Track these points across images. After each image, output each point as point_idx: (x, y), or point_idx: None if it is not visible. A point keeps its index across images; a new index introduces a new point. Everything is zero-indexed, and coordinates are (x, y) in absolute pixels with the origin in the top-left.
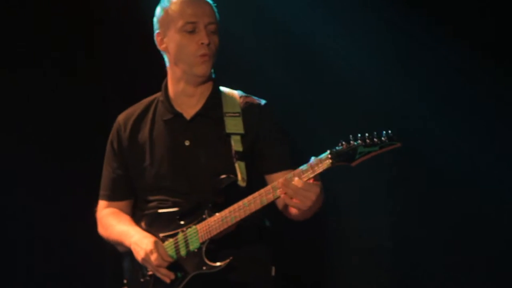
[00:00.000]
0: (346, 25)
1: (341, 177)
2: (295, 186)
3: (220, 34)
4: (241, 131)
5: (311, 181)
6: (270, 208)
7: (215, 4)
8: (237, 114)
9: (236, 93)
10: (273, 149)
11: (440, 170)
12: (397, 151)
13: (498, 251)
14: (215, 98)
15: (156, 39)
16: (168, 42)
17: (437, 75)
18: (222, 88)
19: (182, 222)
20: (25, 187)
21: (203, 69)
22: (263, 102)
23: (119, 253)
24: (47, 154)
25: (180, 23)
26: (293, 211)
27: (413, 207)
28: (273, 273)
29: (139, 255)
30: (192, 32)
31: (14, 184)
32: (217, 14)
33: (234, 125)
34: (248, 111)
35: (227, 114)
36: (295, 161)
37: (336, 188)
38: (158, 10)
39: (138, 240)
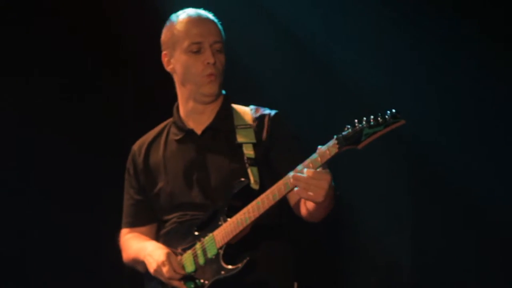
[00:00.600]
0: (353, 26)
1: (356, 183)
2: (306, 177)
3: (226, 52)
4: (253, 140)
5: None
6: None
7: (220, 22)
8: (248, 126)
9: (247, 108)
10: (285, 153)
11: (458, 178)
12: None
13: None
14: (226, 113)
15: (163, 60)
16: (175, 63)
17: (445, 75)
18: (234, 105)
19: (199, 233)
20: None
21: (210, 88)
22: (273, 112)
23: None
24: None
25: (185, 43)
26: (304, 211)
27: (428, 214)
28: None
29: (152, 266)
30: (197, 52)
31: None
32: (222, 32)
33: (245, 135)
34: (259, 122)
35: (238, 127)
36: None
37: (349, 193)
38: (164, 31)
39: (151, 252)
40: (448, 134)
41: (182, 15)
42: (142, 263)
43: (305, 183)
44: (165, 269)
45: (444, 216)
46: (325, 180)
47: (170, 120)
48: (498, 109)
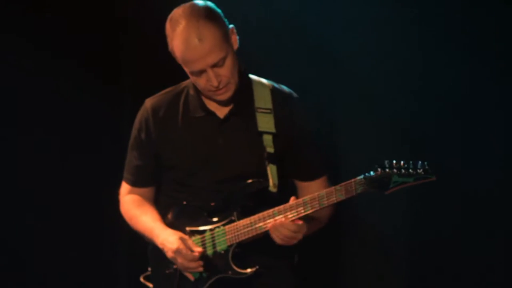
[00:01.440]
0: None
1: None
2: (283, 229)
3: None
4: (273, 130)
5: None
6: None
7: (218, 16)
8: (269, 111)
9: (266, 83)
10: (306, 155)
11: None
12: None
13: None
14: (246, 92)
15: (172, 53)
16: (183, 67)
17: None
18: (252, 77)
19: (210, 219)
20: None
21: (220, 98)
22: (294, 96)
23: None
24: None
25: (186, 69)
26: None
27: (430, 207)
28: (296, 259)
29: (168, 254)
30: (199, 75)
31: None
32: (222, 38)
33: (266, 122)
34: (279, 107)
35: (258, 110)
36: (326, 166)
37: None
38: (167, 31)
39: (164, 240)
40: (447, 133)
41: (177, 29)
42: (150, 240)
43: (280, 232)
44: (183, 253)
45: (442, 200)
46: (300, 233)
47: (187, 83)
48: (499, 108)
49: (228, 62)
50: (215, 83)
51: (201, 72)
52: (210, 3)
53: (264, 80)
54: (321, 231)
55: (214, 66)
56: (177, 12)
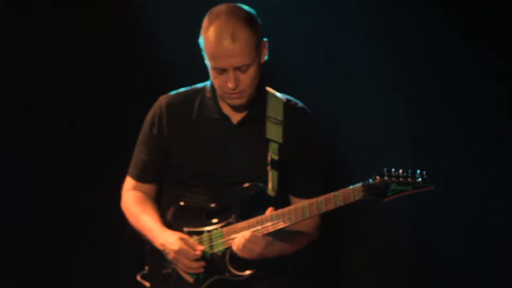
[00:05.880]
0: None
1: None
2: (243, 239)
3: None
4: (280, 140)
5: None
6: None
7: (255, 24)
8: (279, 122)
9: (281, 96)
10: (306, 172)
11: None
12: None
13: None
14: (260, 101)
15: (201, 44)
16: (206, 59)
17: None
18: (268, 89)
19: (208, 221)
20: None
21: (233, 102)
22: (307, 112)
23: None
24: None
25: (210, 63)
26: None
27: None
28: (289, 269)
29: (169, 256)
30: (221, 73)
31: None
32: (252, 47)
33: (274, 131)
34: (290, 120)
35: (269, 119)
36: (322, 189)
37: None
38: (204, 22)
39: (165, 241)
40: (446, 133)
41: (212, 26)
42: (148, 240)
43: (241, 243)
44: (184, 253)
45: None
46: (258, 245)
47: (202, 86)
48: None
49: (251, 71)
50: (232, 86)
51: (222, 70)
52: (253, 11)
53: (279, 94)
54: (320, 239)
55: (237, 69)
56: (220, 7)
